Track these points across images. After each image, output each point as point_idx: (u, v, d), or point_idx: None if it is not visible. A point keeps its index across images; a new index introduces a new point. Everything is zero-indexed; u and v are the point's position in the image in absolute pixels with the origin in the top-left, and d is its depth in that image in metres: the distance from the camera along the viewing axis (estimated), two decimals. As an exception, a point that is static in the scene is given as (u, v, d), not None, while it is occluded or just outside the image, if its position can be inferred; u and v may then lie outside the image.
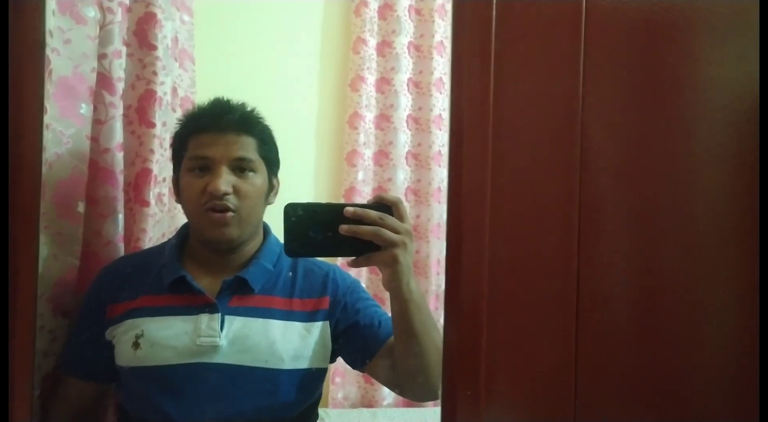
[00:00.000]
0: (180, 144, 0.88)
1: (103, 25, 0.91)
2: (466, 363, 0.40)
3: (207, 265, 0.90)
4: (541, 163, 0.43)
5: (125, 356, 0.85)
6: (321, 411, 0.99)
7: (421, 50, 1.81)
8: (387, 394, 1.67)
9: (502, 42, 0.42)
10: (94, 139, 0.94)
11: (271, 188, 0.93)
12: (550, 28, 0.43)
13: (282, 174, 0.95)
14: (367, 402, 1.67)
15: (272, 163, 0.92)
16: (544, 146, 0.43)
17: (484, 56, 0.41)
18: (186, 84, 1.26)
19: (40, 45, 0.44)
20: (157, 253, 0.93)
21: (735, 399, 0.43)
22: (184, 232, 0.95)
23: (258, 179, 0.88)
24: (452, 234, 0.42)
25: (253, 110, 0.91)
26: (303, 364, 0.86)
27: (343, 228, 0.66)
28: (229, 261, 0.90)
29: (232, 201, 0.84)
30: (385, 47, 1.75)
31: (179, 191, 0.90)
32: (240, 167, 0.86)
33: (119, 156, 0.96)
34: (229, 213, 0.84)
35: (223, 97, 0.90)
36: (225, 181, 0.83)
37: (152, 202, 1.04)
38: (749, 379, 0.42)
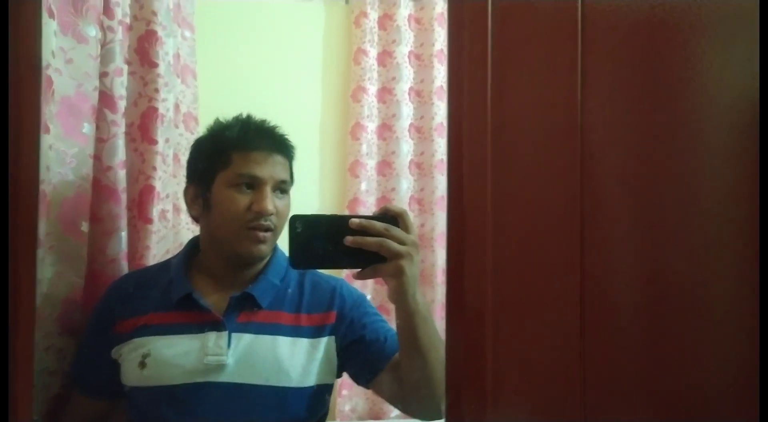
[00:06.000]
0: (219, 158, 0.87)
1: (104, 44, 0.92)
2: (471, 374, 0.40)
3: (216, 281, 0.89)
4: (542, 169, 0.42)
5: (131, 376, 0.85)
6: (329, 424, 0.98)
7: (421, 59, 1.81)
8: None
9: (499, 49, 0.42)
10: (97, 157, 0.94)
11: None
12: (546, 33, 0.43)
13: (285, 185, 0.96)
14: (375, 414, 1.66)
15: (292, 182, 0.94)
16: (544, 152, 0.43)
17: (481, 63, 0.41)
18: (188, 100, 1.27)
19: (36, 69, 0.44)
20: (163, 269, 0.92)
21: (745, 402, 0.42)
22: (191, 248, 0.94)
23: (288, 199, 0.91)
24: (453, 243, 0.42)
25: (285, 132, 0.93)
26: (310, 381, 0.86)
27: (349, 239, 0.66)
28: (239, 276, 0.90)
29: (273, 220, 0.86)
30: (385, 57, 1.76)
31: (205, 204, 0.88)
32: (280, 188, 0.88)
33: (122, 173, 0.96)
34: (269, 232, 0.86)
35: (252, 115, 0.92)
36: (271, 201, 0.85)
37: (155, 218, 1.04)
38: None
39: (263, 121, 0.91)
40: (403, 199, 1.75)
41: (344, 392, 1.64)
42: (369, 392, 1.67)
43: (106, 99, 0.93)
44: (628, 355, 0.42)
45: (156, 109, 1.01)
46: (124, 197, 0.97)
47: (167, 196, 1.14)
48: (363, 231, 0.67)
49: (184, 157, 1.24)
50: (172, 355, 0.83)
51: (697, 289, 0.42)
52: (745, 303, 0.42)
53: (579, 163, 0.42)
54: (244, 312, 0.86)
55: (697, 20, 0.43)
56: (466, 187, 0.42)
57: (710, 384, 0.42)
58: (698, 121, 0.43)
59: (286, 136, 0.92)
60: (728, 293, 0.42)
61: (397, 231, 0.68)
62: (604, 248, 0.42)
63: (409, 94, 1.78)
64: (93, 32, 0.89)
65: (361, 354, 0.88)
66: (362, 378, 0.90)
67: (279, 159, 0.88)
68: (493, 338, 0.40)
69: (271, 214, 0.85)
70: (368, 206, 1.71)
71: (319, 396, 0.89)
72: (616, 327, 0.42)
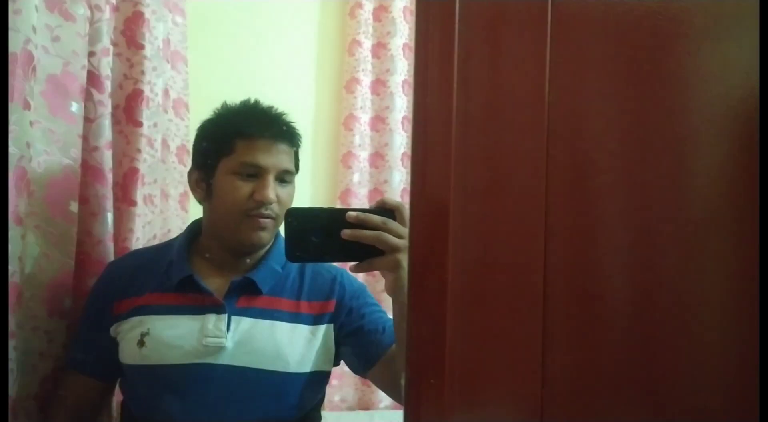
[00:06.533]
0: (223, 144, 0.86)
1: (92, 23, 0.92)
2: (430, 351, 0.39)
3: (217, 265, 0.90)
4: (506, 162, 0.42)
5: (130, 354, 0.85)
6: (317, 413, 0.98)
7: (416, 52, 1.81)
8: (384, 396, 1.65)
9: (465, 42, 0.41)
10: (84, 138, 0.94)
11: None
12: (514, 24, 0.42)
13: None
14: (364, 404, 1.66)
15: (297, 172, 0.94)
16: (509, 145, 0.42)
17: (447, 57, 0.41)
18: (179, 86, 1.27)
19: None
20: (166, 250, 0.92)
21: (734, 403, 0.41)
22: (193, 230, 0.94)
23: (292, 189, 0.90)
24: (416, 237, 0.41)
25: (292, 120, 0.92)
26: (307, 367, 0.86)
27: (346, 232, 0.65)
28: (240, 262, 0.90)
29: (274, 209, 0.86)
30: (380, 49, 1.76)
31: (207, 189, 0.88)
32: (283, 177, 0.88)
33: (108, 154, 0.96)
34: (270, 220, 0.86)
35: (260, 101, 0.91)
36: (273, 190, 0.85)
37: (139, 201, 1.03)
38: (737, 377, 0.41)
39: (270, 108, 0.90)
40: (395, 191, 1.75)
41: (334, 382, 1.64)
42: (359, 382, 1.68)
43: (93, 79, 0.93)
44: (589, 334, 0.42)
45: (141, 91, 1.01)
46: (110, 178, 0.97)
47: (155, 181, 1.13)
48: (360, 224, 0.66)
49: (174, 143, 1.25)
50: (171, 335, 0.83)
51: (678, 282, 0.42)
52: (731, 299, 0.41)
53: (544, 154, 0.42)
54: (244, 296, 0.86)
55: (677, 13, 0.42)
56: (429, 180, 0.41)
57: (675, 374, 0.41)
58: (675, 113, 0.42)
59: (292, 124, 0.91)
60: (709, 290, 0.42)
61: (394, 224, 0.67)
62: (568, 238, 0.42)
63: (402, 86, 1.77)
64: (81, 10, 0.89)
65: (358, 344, 0.88)
66: (359, 368, 0.90)
67: (284, 148, 0.87)
68: (452, 320, 0.40)
69: (273, 203, 0.85)
70: (360, 198, 1.71)
71: (316, 382, 0.89)
72: (580, 319, 0.42)
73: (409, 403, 0.39)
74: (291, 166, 0.89)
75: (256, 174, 0.85)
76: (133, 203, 1.02)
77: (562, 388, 0.41)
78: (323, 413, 1.57)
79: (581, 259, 0.42)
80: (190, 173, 0.92)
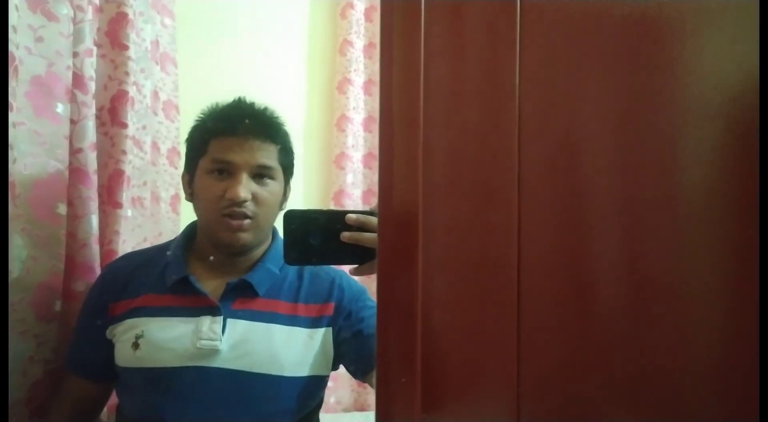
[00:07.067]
0: (199, 144, 0.86)
1: (75, 23, 0.91)
2: (401, 350, 0.39)
3: (212, 266, 0.88)
4: (476, 159, 0.41)
5: (124, 356, 0.84)
6: (312, 416, 0.97)
7: (409, 52, 1.80)
8: (379, 399, 1.65)
9: (431, 41, 0.40)
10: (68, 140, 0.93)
11: (286, 195, 0.92)
12: (482, 23, 0.41)
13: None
14: (360, 405, 1.65)
15: (289, 170, 0.91)
16: (478, 142, 0.41)
17: (412, 57, 0.40)
18: (169, 88, 1.26)
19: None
20: (162, 252, 0.91)
21: (702, 394, 0.40)
22: (190, 232, 0.93)
23: (276, 186, 0.87)
24: (384, 239, 0.40)
25: (276, 116, 0.90)
26: (304, 372, 0.85)
27: (345, 235, 0.64)
28: (236, 263, 0.89)
29: (250, 207, 0.83)
30: (371, 49, 1.75)
31: (192, 191, 0.88)
32: (260, 174, 0.85)
33: (92, 156, 0.95)
34: (246, 220, 0.84)
35: (244, 98, 0.89)
36: (245, 187, 0.82)
37: (125, 203, 1.02)
38: (735, 376, 0.40)
39: (251, 105, 0.89)
40: (389, 191, 1.74)
41: (330, 384, 1.62)
42: (354, 384, 1.67)
43: (77, 79, 0.92)
44: (565, 334, 0.41)
45: (126, 93, 1.00)
46: (95, 179, 0.96)
47: (145, 184, 1.13)
48: (360, 226, 0.65)
49: (164, 145, 1.24)
50: (166, 338, 0.82)
51: (668, 278, 0.41)
52: (728, 293, 0.40)
53: (516, 148, 0.41)
54: (241, 298, 0.85)
55: (654, 6, 0.42)
56: (397, 181, 0.41)
57: (645, 370, 0.40)
58: (666, 106, 0.41)
59: (275, 120, 0.89)
60: (704, 285, 0.41)
61: None
62: (540, 233, 0.41)
63: (396, 86, 1.77)
64: (65, 10, 0.88)
65: (357, 348, 0.87)
66: (358, 372, 0.88)
67: (258, 144, 0.85)
68: (423, 318, 0.39)
69: (245, 201, 0.82)
70: (354, 199, 1.71)
71: (313, 387, 0.88)
72: (557, 318, 0.41)
73: (381, 402, 0.38)
74: (270, 162, 0.86)
75: (229, 171, 0.83)
76: (119, 205, 1.01)
77: (539, 387, 0.40)
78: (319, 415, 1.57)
79: (557, 257, 0.41)
80: (182, 175, 0.92)
